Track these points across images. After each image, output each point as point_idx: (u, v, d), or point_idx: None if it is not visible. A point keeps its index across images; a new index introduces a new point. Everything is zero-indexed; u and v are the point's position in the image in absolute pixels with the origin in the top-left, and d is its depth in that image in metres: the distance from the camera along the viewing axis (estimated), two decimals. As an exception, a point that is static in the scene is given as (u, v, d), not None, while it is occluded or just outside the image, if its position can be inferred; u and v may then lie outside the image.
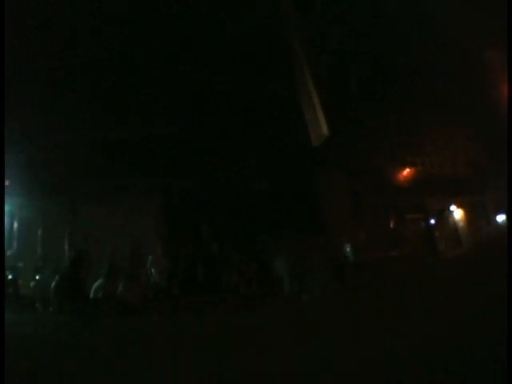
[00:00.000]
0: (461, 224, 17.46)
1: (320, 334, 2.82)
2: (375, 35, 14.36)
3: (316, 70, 11.51)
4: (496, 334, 1.80)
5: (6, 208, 8.28)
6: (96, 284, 6.45)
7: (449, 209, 17.26)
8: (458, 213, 17.45)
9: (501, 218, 19.84)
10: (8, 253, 8.87)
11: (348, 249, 9.97)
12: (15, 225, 9.71)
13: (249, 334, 3.42)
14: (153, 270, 8.43)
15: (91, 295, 6.15)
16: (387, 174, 14.21)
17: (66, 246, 9.55)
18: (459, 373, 1.49)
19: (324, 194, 9.92)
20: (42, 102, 9.69)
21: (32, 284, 8.29)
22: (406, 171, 15.28)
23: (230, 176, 9.55)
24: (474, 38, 17.07)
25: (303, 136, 10.22)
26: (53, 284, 5.99)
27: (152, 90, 9.83)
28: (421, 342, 1.98)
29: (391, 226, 13.97)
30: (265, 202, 9.51)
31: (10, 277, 8.13)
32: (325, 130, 10.76)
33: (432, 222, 16.31)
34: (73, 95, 9.57)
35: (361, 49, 13.58)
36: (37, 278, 8.28)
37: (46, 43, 9.61)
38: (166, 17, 10.16)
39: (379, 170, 13.28)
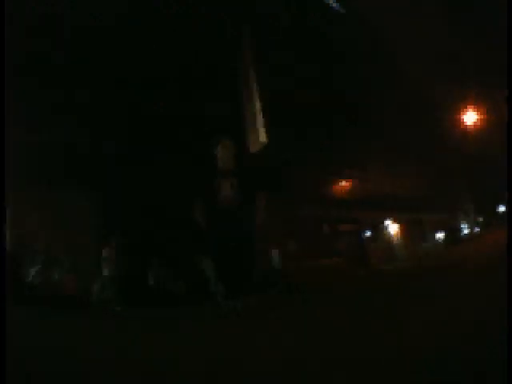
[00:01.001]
0: (396, 239, 18.48)
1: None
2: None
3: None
4: (496, 334, 1.81)
5: None
6: (33, 269, 7.15)
7: (384, 223, 18.21)
8: (393, 228, 18.50)
9: (438, 236, 21.68)
10: None
11: (275, 257, 10.07)
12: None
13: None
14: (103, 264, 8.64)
15: (28, 279, 6.23)
16: (323, 186, 14.48)
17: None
18: (459, 373, 1.45)
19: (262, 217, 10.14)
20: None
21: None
22: (343, 184, 15.71)
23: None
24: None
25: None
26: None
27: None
28: (420, 342, 1.95)
29: (324, 236, 14.30)
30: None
31: None
32: (263, 137, 10.82)
33: (367, 234, 17.09)
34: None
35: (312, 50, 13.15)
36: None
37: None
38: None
39: (316, 184, 13.53)
